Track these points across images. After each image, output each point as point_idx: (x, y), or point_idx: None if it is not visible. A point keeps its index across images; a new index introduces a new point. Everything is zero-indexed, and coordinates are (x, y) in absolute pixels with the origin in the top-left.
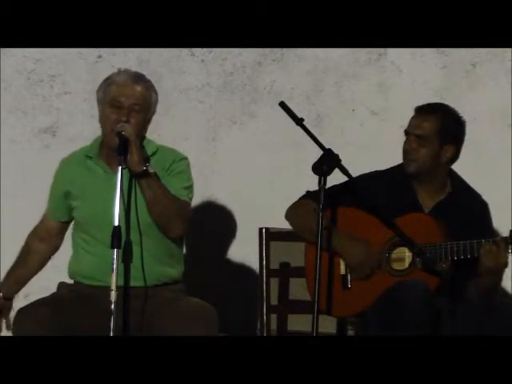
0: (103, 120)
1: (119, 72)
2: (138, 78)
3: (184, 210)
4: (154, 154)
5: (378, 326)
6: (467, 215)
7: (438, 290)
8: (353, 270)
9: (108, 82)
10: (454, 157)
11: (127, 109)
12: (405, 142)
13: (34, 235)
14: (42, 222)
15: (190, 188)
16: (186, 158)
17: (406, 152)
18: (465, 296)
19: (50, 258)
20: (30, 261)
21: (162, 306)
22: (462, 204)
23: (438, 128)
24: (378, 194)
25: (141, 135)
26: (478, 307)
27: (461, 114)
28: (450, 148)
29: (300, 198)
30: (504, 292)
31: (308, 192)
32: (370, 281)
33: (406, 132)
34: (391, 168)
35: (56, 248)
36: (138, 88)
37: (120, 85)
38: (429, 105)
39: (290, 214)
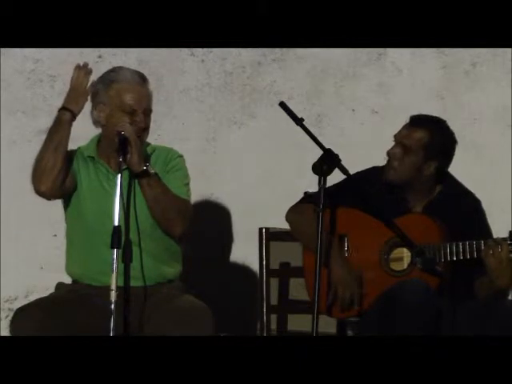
0: (111, 123)
1: (118, 71)
2: (141, 78)
3: (185, 207)
4: (150, 155)
5: (379, 326)
6: (459, 213)
7: (438, 290)
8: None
9: (108, 80)
10: (439, 171)
11: (142, 114)
12: (391, 148)
13: None
14: None
15: (188, 185)
16: (181, 156)
17: (389, 158)
18: (473, 296)
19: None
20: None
21: (159, 304)
22: (453, 202)
23: (426, 142)
24: (371, 191)
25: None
26: (481, 308)
27: (452, 131)
28: (434, 164)
29: (299, 201)
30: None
31: (306, 194)
32: (370, 282)
33: (395, 138)
34: (383, 166)
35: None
36: (145, 90)
37: (128, 88)
38: (422, 117)
39: (290, 218)
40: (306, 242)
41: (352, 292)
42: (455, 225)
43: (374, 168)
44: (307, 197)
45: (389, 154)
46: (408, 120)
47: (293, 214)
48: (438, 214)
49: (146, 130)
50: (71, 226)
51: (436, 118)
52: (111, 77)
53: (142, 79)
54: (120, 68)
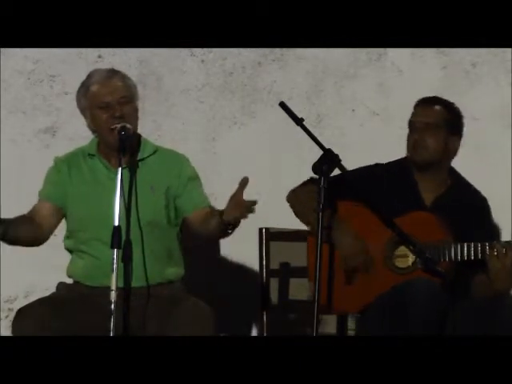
0: (96, 123)
1: (91, 75)
2: (111, 72)
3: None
4: (152, 154)
5: (383, 324)
6: (468, 209)
7: (442, 288)
8: (346, 260)
9: (84, 87)
10: (457, 150)
11: (117, 104)
12: (411, 133)
13: (26, 216)
14: (32, 209)
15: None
16: (188, 159)
17: (413, 142)
18: (470, 293)
19: (34, 241)
20: (18, 227)
21: (160, 305)
22: (463, 198)
23: (446, 117)
24: (379, 186)
25: (136, 123)
26: (482, 306)
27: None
28: (456, 139)
29: (302, 183)
30: None
31: (311, 178)
32: (373, 278)
33: (412, 122)
34: (393, 161)
35: (45, 234)
36: (116, 81)
37: (99, 85)
38: (432, 97)
39: (291, 198)
40: (307, 221)
41: (364, 257)
42: (463, 221)
43: (377, 165)
44: (310, 179)
45: (412, 138)
46: (418, 103)
47: (293, 195)
48: (448, 208)
49: (122, 118)
50: (72, 226)
51: (442, 98)
52: (85, 83)
53: (112, 73)
54: (91, 72)
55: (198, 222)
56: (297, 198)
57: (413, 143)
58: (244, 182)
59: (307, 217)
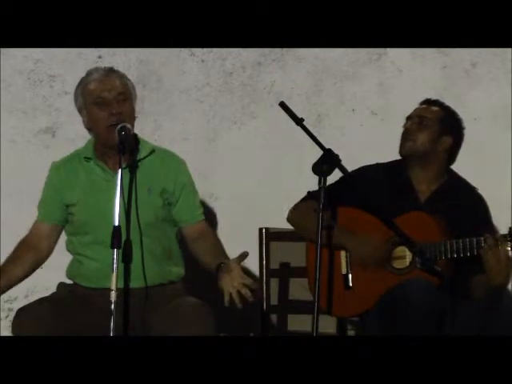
0: (93, 121)
1: (89, 73)
2: (109, 70)
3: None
4: (149, 154)
5: (383, 326)
6: (464, 203)
7: (439, 289)
8: (359, 261)
9: (82, 85)
10: (451, 151)
11: (114, 101)
12: (405, 124)
13: (23, 244)
14: (31, 230)
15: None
16: (184, 162)
17: (404, 133)
18: (470, 294)
19: (36, 267)
20: (12, 271)
21: (160, 304)
22: (459, 193)
23: (441, 117)
24: (376, 184)
25: (132, 123)
26: (482, 306)
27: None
28: (448, 139)
29: (301, 200)
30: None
31: (309, 193)
32: (372, 280)
33: (408, 117)
34: (389, 161)
35: (45, 255)
36: (114, 79)
37: (96, 82)
38: (435, 99)
39: (292, 217)
40: (310, 236)
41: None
42: (458, 218)
43: (377, 164)
44: (308, 195)
45: (404, 128)
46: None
47: (293, 213)
48: (443, 204)
49: (120, 115)
50: (71, 230)
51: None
52: (83, 81)
53: (109, 71)
54: (89, 71)
55: (191, 238)
56: (297, 218)
57: (402, 135)
58: (243, 256)
59: (310, 235)
